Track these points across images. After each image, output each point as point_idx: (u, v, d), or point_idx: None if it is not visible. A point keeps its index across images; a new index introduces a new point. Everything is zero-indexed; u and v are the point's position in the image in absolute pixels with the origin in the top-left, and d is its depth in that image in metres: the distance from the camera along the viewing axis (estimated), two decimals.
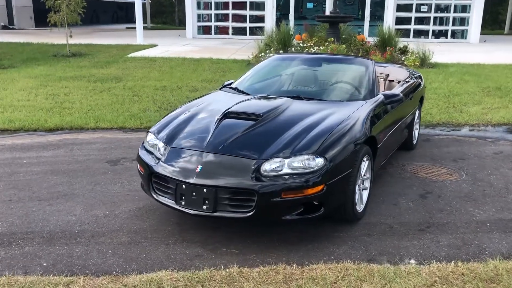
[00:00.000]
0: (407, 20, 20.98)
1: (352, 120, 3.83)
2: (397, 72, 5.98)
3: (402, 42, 14.44)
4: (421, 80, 6.10)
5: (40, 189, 4.54)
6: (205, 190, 3.29)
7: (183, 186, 3.37)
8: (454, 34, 21.01)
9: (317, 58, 5.32)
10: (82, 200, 4.30)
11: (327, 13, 17.72)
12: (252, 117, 3.81)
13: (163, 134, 3.85)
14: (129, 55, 14.44)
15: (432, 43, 17.41)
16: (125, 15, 44.03)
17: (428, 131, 6.82)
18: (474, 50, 17.38)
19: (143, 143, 4.00)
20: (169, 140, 3.74)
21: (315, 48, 13.71)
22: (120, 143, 6.07)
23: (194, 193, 3.33)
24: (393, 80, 5.59)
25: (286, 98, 4.28)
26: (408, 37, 19.66)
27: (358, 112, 3.99)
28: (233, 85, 4.93)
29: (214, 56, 14.42)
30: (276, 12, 21.08)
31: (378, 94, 4.48)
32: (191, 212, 3.36)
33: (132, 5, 45.20)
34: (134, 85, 9.94)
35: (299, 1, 21.69)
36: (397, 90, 4.94)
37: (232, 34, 21.28)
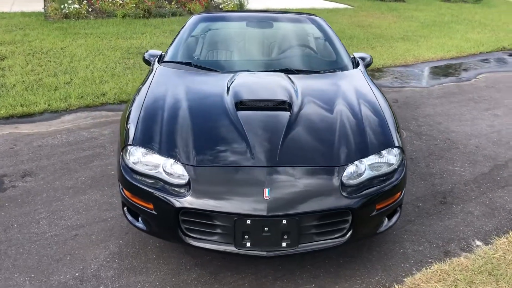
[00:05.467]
0: None
1: (377, 93, 3.27)
2: None
3: None
4: None
5: None
6: (284, 221, 2.35)
7: (248, 222, 2.34)
8: None
9: (263, 17, 4.29)
10: (24, 260, 2.73)
11: None
12: (278, 106, 2.87)
13: (165, 148, 2.60)
14: None
15: None
16: None
17: None
18: None
19: (126, 165, 2.63)
20: (184, 156, 2.55)
21: None
22: None
23: (266, 228, 2.36)
24: None
25: (278, 73, 3.41)
26: None
27: (370, 83, 3.44)
28: (183, 60, 3.70)
29: None
30: None
31: (355, 58, 3.98)
32: (265, 254, 2.40)
33: None
34: None
35: None
36: None
37: None
